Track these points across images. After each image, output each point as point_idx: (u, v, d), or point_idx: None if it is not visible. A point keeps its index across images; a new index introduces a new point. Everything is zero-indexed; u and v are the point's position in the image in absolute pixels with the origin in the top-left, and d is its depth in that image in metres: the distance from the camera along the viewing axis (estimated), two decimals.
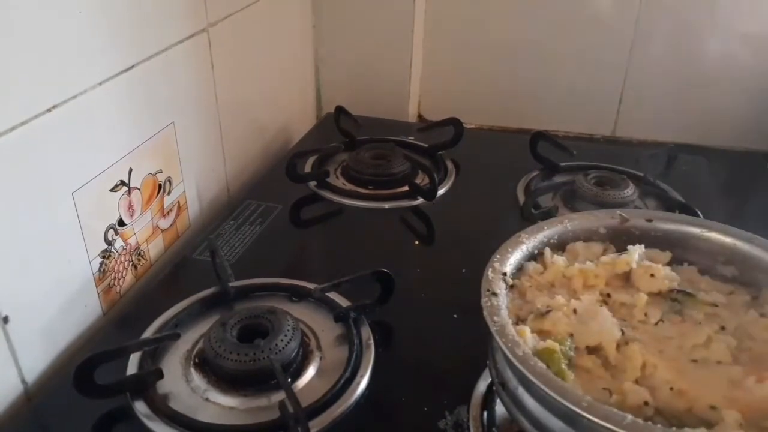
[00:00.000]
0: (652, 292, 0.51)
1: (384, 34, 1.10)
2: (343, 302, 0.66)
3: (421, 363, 0.61)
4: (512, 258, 0.52)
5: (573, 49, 1.07)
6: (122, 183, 0.68)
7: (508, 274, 0.51)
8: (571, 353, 0.45)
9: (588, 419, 0.38)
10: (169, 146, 0.76)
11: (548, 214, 0.77)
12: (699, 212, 0.77)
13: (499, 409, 0.53)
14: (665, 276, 0.51)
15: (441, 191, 0.88)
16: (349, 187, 0.90)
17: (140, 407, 0.55)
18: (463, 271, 0.72)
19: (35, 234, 0.58)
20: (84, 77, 0.61)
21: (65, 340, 0.63)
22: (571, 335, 0.47)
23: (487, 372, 0.55)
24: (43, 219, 0.58)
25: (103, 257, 0.67)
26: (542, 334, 0.47)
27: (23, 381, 0.58)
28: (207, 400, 0.56)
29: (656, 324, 0.49)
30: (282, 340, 0.58)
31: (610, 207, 0.72)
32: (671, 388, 0.42)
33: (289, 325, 0.59)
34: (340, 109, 1.04)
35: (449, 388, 0.58)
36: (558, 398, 0.39)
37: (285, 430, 0.51)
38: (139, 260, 0.73)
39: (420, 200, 0.86)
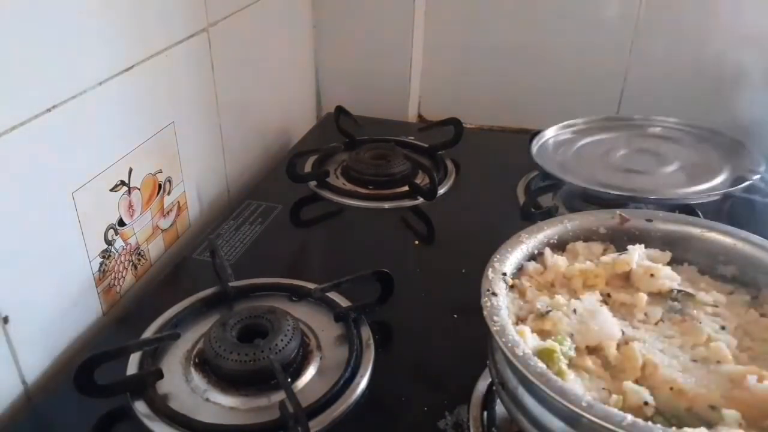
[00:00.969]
0: (652, 292, 0.51)
1: (384, 34, 1.10)
2: (343, 302, 0.66)
3: (421, 363, 0.61)
4: (512, 258, 0.52)
5: (573, 49, 1.07)
6: (122, 183, 0.68)
7: (508, 274, 0.51)
8: (571, 353, 0.45)
9: (588, 419, 0.38)
10: (169, 146, 0.76)
11: (548, 214, 0.77)
12: (699, 212, 0.77)
13: (499, 409, 0.53)
14: (665, 276, 0.51)
15: (441, 191, 0.88)
16: (349, 187, 0.90)
17: (140, 407, 0.55)
18: (463, 271, 0.72)
19: (35, 234, 0.58)
20: (84, 77, 0.61)
21: (65, 340, 0.63)
22: (571, 335, 0.47)
23: (487, 372, 0.55)
24: (43, 219, 0.58)
25: (103, 257, 0.67)
26: (542, 334, 0.47)
27: (23, 381, 0.58)
28: (207, 400, 0.56)
29: (656, 324, 0.49)
30: (282, 340, 0.58)
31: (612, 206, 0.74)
32: (671, 388, 0.42)
33: (289, 325, 0.59)
34: (340, 109, 1.05)
35: (449, 388, 0.58)
36: (558, 398, 0.39)
37: (285, 430, 0.51)
38: (139, 260, 0.73)
39: (420, 200, 0.86)
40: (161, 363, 0.60)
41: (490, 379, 0.54)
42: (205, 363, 0.59)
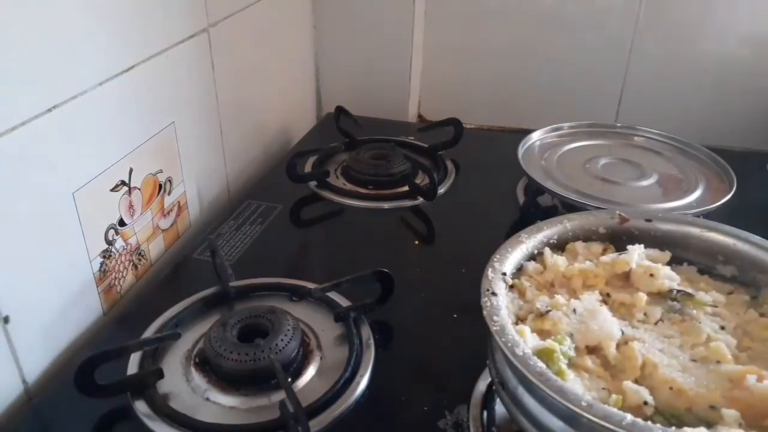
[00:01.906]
0: (651, 291, 0.51)
1: (384, 34, 1.10)
2: (343, 302, 0.66)
3: (421, 363, 0.62)
4: (512, 258, 0.52)
5: (573, 49, 1.07)
6: (123, 183, 0.68)
7: (508, 274, 0.51)
8: (571, 353, 0.45)
9: (587, 419, 0.38)
10: (170, 146, 0.76)
11: (548, 214, 0.77)
12: None
13: (499, 408, 0.53)
14: (665, 276, 0.51)
15: (441, 191, 0.88)
16: (349, 187, 0.90)
17: (141, 407, 0.55)
18: (463, 271, 0.72)
19: (35, 234, 0.58)
20: (84, 77, 0.61)
21: (66, 340, 0.63)
22: (571, 335, 0.47)
23: (487, 372, 0.55)
24: (43, 219, 0.58)
25: (104, 257, 0.67)
26: (542, 334, 0.47)
27: (24, 381, 0.58)
28: (207, 399, 0.56)
29: (656, 324, 0.49)
30: (282, 340, 0.58)
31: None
32: (671, 388, 0.42)
33: (289, 325, 0.59)
34: (340, 109, 1.05)
35: (449, 388, 0.58)
36: (557, 398, 0.39)
37: (285, 429, 0.51)
38: (139, 260, 0.73)
39: (420, 200, 0.86)
40: (161, 363, 0.60)
41: (490, 379, 0.54)
42: (205, 363, 0.59)
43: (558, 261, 0.53)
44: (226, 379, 0.57)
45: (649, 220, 0.57)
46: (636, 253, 0.53)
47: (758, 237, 0.53)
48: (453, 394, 0.57)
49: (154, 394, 0.56)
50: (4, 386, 0.57)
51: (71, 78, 0.59)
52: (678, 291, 0.51)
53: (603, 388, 0.43)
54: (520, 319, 0.49)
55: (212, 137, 0.86)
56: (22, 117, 0.54)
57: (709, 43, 1.02)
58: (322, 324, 0.64)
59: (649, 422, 0.38)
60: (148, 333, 0.62)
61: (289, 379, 0.57)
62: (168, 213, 0.78)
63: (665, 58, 1.04)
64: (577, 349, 0.46)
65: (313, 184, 0.90)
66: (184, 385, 0.58)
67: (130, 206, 0.70)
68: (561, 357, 0.44)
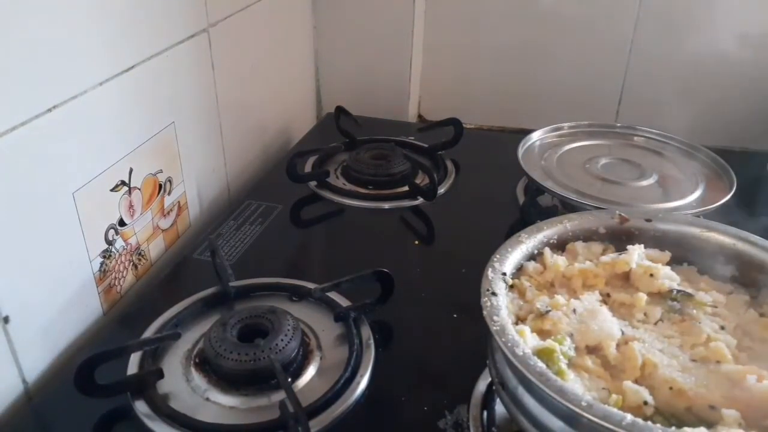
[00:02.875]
0: (651, 292, 0.51)
1: (384, 34, 1.10)
2: (343, 302, 0.66)
3: (421, 363, 0.62)
4: (512, 258, 0.52)
5: (572, 49, 1.07)
6: (123, 183, 0.68)
7: (508, 274, 0.51)
8: (571, 353, 0.45)
9: (587, 419, 0.38)
10: (170, 146, 0.76)
11: (548, 214, 0.77)
12: None
13: (499, 408, 0.53)
14: (665, 276, 0.51)
15: (441, 191, 0.88)
16: (349, 187, 0.90)
17: (141, 407, 0.55)
18: (463, 270, 0.72)
19: (35, 234, 0.58)
20: (84, 77, 0.61)
21: (66, 339, 0.63)
22: (571, 335, 0.47)
23: (487, 372, 0.55)
24: (43, 219, 0.58)
25: (104, 257, 0.67)
26: (542, 334, 0.47)
27: (24, 381, 0.58)
28: (207, 399, 0.56)
29: (656, 324, 0.49)
30: (282, 340, 0.58)
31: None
32: (671, 388, 0.42)
33: (289, 325, 0.59)
34: (340, 109, 1.05)
35: (449, 388, 0.58)
36: (557, 398, 0.39)
37: (285, 429, 0.51)
38: (139, 260, 0.73)
39: (420, 200, 0.86)
40: (161, 363, 0.60)
41: (490, 379, 0.54)
42: (205, 363, 0.59)
43: (558, 261, 0.53)
44: (226, 379, 0.57)
45: (649, 220, 0.57)
46: (636, 253, 0.53)
47: (758, 237, 0.54)
48: (453, 394, 0.57)
49: (154, 394, 0.56)
50: (4, 386, 0.57)
51: (71, 78, 0.59)
52: (678, 291, 0.51)
53: (603, 388, 0.43)
54: (520, 319, 0.49)
55: (212, 137, 0.86)
56: (22, 117, 0.54)
57: (709, 43, 1.02)
58: (322, 324, 0.64)
59: (649, 422, 0.38)
60: (148, 333, 0.62)
61: (289, 379, 0.57)
62: (168, 213, 0.78)
63: (665, 58, 1.04)
64: (577, 349, 0.46)
65: (313, 184, 0.90)
66: (184, 385, 0.58)
67: (130, 206, 0.70)
68: (561, 357, 0.44)
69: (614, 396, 0.42)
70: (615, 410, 0.38)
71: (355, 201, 0.87)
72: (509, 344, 0.43)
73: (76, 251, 0.63)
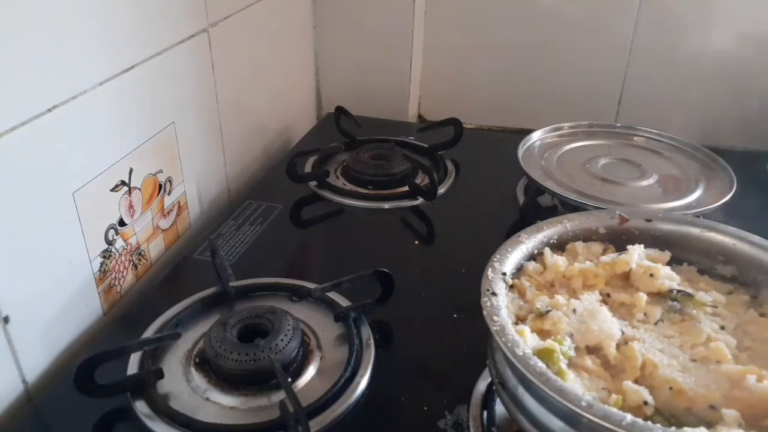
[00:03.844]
0: (651, 292, 0.51)
1: (384, 34, 1.10)
2: (343, 302, 0.66)
3: (421, 362, 0.62)
4: (512, 258, 0.52)
5: (572, 49, 1.07)
6: (123, 183, 0.68)
7: (508, 274, 0.51)
8: (571, 353, 0.45)
9: (587, 419, 0.38)
10: (170, 146, 0.76)
11: (548, 214, 0.77)
12: None
13: (499, 408, 0.53)
14: (665, 276, 0.51)
15: (441, 191, 0.88)
16: (349, 187, 0.90)
17: (141, 407, 0.55)
18: (463, 270, 0.72)
19: (36, 234, 0.58)
20: (84, 77, 0.61)
21: (66, 340, 0.63)
22: (571, 335, 0.47)
23: (487, 372, 0.55)
24: (43, 219, 0.58)
25: (104, 257, 0.67)
26: (542, 334, 0.47)
27: (24, 381, 0.58)
28: (207, 399, 0.56)
29: (656, 324, 0.49)
30: (282, 340, 0.58)
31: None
32: (671, 388, 0.42)
33: (289, 325, 0.59)
34: (340, 109, 1.05)
35: (449, 388, 0.58)
36: (557, 398, 0.39)
37: (285, 429, 0.51)
38: (139, 260, 0.73)
39: (420, 200, 0.86)
40: (161, 363, 0.60)
41: (490, 379, 0.54)
42: (205, 363, 0.59)
43: (558, 261, 0.53)
44: (226, 379, 0.57)
45: (649, 220, 0.57)
46: (636, 253, 0.53)
47: (758, 237, 0.53)
48: (453, 394, 0.57)
49: (154, 394, 0.56)
50: (4, 386, 0.57)
51: (71, 78, 0.59)
52: (678, 291, 0.51)
53: (603, 388, 0.43)
54: (520, 319, 0.49)
55: (212, 137, 0.86)
56: (22, 117, 0.54)
57: (709, 43, 1.02)
58: (322, 324, 0.64)
59: (649, 422, 0.38)
60: (148, 333, 0.62)
61: (289, 379, 0.57)
62: (168, 213, 0.78)
63: (665, 58, 1.04)
64: (577, 349, 0.46)
65: (313, 184, 0.90)
66: (184, 385, 0.58)
67: (130, 206, 0.70)
68: (561, 357, 0.44)
69: (614, 396, 0.42)
70: (615, 410, 0.38)
71: (355, 201, 0.87)
72: (509, 344, 0.43)
73: (76, 251, 0.63)
